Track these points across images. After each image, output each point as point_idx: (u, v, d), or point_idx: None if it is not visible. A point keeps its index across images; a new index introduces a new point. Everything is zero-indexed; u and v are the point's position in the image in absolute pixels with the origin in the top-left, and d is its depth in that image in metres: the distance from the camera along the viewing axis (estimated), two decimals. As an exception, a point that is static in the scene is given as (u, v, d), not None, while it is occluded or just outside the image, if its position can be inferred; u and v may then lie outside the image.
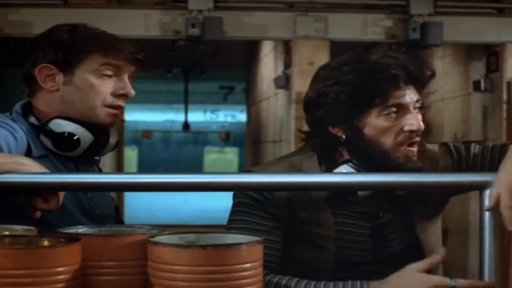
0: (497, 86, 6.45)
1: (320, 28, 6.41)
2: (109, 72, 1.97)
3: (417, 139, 1.91)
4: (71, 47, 1.96)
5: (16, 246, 1.41)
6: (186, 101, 15.71)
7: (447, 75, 7.28)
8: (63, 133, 1.94)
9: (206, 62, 9.25)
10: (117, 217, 2.13)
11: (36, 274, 1.35)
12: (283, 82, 6.74)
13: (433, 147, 2.06)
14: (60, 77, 1.96)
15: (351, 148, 1.93)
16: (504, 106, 6.36)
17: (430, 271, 2.01)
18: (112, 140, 2.02)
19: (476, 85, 6.64)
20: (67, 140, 1.95)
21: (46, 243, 1.46)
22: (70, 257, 1.39)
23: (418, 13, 6.36)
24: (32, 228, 1.56)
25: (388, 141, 1.89)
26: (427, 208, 2.02)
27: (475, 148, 2.04)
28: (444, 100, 7.27)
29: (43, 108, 1.99)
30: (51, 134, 1.94)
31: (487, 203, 1.60)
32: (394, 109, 1.88)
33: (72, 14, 6.14)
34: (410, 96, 1.90)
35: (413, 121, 1.89)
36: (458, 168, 2.02)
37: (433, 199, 2.03)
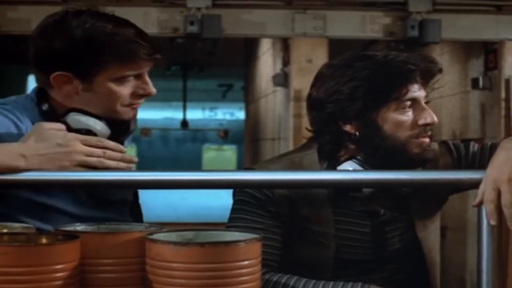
0: (496, 84, 6.44)
1: (319, 26, 6.40)
2: (129, 77, 1.89)
3: (430, 132, 1.93)
4: (87, 60, 1.84)
5: (14, 244, 1.41)
6: (184, 99, 15.70)
7: (445, 73, 7.22)
8: (80, 130, 1.85)
9: (205, 59, 9.24)
10: (135, 203, 2.05)
11: (34, 272, 1.35)
12: (282, 79, 6.73)
13: (433, 145, 2.06)
14: (77, 83, 1.87)
15: (364, 144, 1.93)
16: (503, 104, 6.35)
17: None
18: (132, 127, 1.97)
19: (475, 82, 6.63)
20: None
21: (44, 240, 1.46)
22: (68, 254, 1.39)
23: (417, 10, 6.35)
24: (31, 225, 1.56)
25: (403, 134, 1.91)
26: (427, 207, 2.02)
27: (474, 147, 2.05)
28: (443, 97, 7.27)
29: (61, 100, 1.90)
30: (68, 130, 1.83)
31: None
32: (409, 103, 1.90)
33: (71, 12, 6.13)
34: (421, 91, 1.93)
35: (428, 115, 1.92)
36: (457, 166, 2.03)
37: (433, 198, 2.04)
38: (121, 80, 1.87)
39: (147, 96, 1.93)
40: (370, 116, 1.91)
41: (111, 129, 1.89)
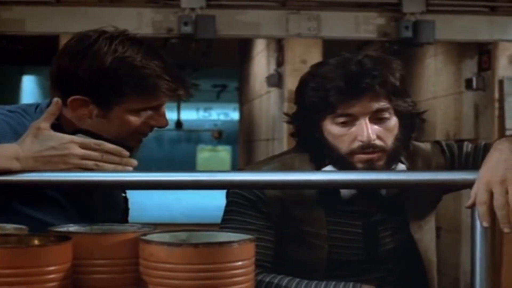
0: (489, 85, 6.46)
1: (313, 26, 6.41)
2: (147, 110, 1.85)
3: (370, 149, 1.88)
4: (109, 90, 1.81)
5: (6, 245, 1.41)
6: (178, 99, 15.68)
7: (439, 74, 7.29)
8: None
9: (199, 60, 9.23)
10: (122, 220, 2.01)
11: (27, 273, 1.34)
12: (276, 80, 6.73)
13: (425, 146, 2.06)
14: (93, 108, 1.83)
15: (322, 151, 1.95)
16: (496, 104, 6.36)
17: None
18: (134, 152, 1.90)
19: (468, 83, 6.64)
20: None
21: (36, 242, 1.46)
22: (61, 255, 1.39)
23: (410, 11, 6.36)
24: (23, 227, 1.56)
25: (343, 147, 1.90)
26: (421, 207, 2.02)
27: (467, 147, 2.04)
28: (437, 98, 7.28)
29: (72, 120, 1.86)
30: None
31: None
32: (345, 118, 1.89)
33: (65, 12, 6.12)
34: (364, 106, 1.88)
35: (363, 132, 1.88)
36: (451, 166, 2.02)
37: (426, 198, 2.03)
38: (138, 111, 1.84)
39: (158, 127, 1.90)
40: (317, 125, 1.92)
41: None
